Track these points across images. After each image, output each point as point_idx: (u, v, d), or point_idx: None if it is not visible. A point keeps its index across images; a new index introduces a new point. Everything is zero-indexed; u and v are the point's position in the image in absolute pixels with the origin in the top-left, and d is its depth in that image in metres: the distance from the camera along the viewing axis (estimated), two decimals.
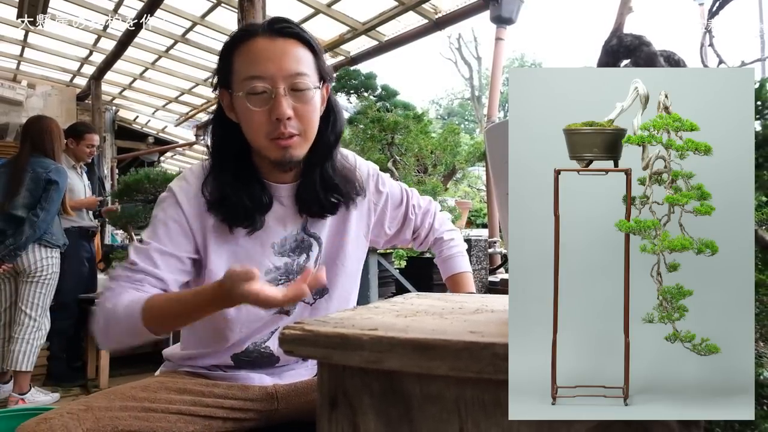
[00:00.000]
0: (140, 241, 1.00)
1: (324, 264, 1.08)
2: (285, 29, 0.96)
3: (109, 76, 5.91)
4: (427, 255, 3.34)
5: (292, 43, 0.96)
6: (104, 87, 6.19)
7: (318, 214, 1.06)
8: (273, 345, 1.06)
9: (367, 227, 1.16)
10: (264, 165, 1.03)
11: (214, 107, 1.08)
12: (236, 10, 3.43)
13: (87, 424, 0.82)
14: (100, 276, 3.77)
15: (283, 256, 1.05)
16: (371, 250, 2.58)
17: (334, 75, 1.07)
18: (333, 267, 1.09)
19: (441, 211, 1.31)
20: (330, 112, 1.05)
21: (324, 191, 1.04)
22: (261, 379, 1.05)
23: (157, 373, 1.12)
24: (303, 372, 1.11)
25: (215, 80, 1.02)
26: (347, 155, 1.16)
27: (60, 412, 0.83)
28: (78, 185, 3.61)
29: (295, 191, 1.05)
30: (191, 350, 1.09)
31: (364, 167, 1.17)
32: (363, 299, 2.55)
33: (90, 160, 3.74)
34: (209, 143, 1.05)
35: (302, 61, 0.96)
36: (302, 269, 1.05)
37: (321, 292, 1.08)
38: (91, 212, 3.69)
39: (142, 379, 1.04)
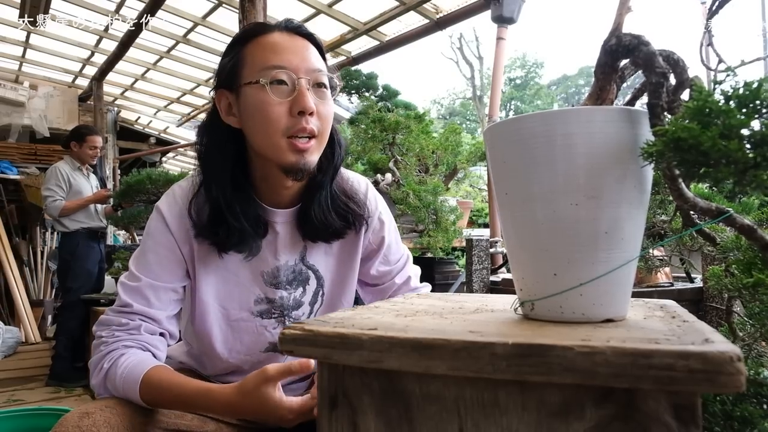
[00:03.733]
0: (130, 274, 0.92)
1: (328, 301, 1.05)
2: (302, 29, 0.93)
3: (110, 76, 5.91)
4: (428, 255, 3.34)
5: (308, 43, 0.92)
6: (106, 88, 6.21)
7: (324, 238, 0.99)
8: None
9: (358, 261, 1.07)
10: (264, 181, 0.95)
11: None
12: (237, 11, 3.44)
13: (126, 419, 0.81)
14: (106, 277, 3.79)
15: (278, 289, 0.99)
16: None
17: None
18: (338, 305, 1.05)
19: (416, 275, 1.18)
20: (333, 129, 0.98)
21: (333, 212, 0.97)
22: None
23: None
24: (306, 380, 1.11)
25: (214, 81, 0.94)
26: (359, 182, 1.09)
27: (99, 406, 0.80)
28: (84, 186, 3.65)
29: (296, 216, 0.98)
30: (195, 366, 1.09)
31: (372, 200, 1.09)
32: None
33: (95, 162, 3.76)
34: (198, 154, 0.96)
35: (320, 61, 0.92)
36: (298, 304, 1.02)
37: None
38: (102, 209, 3.69)
39: None
